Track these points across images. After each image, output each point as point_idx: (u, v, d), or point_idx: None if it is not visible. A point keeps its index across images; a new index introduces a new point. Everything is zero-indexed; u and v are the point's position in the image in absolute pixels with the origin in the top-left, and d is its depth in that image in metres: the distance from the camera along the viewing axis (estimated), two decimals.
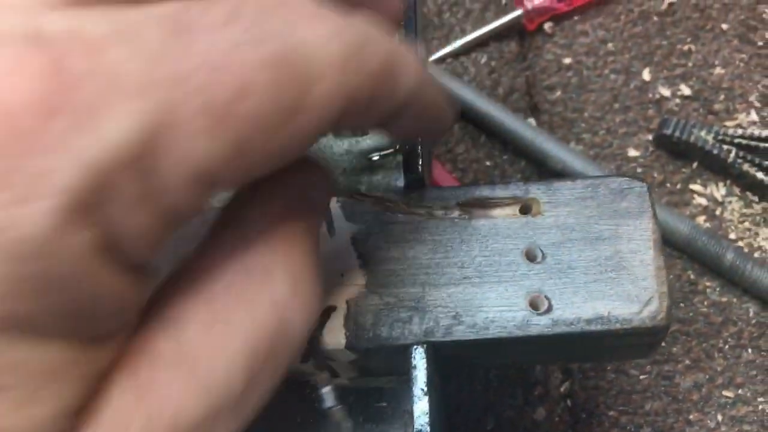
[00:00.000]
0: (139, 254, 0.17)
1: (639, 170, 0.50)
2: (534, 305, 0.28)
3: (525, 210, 0.30)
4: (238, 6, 0.17)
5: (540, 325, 0.28)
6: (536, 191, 0.30)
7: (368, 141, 0.43)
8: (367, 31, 0.20)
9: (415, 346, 0.28)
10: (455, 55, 0.55)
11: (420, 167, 0.32)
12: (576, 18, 0.55)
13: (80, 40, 0.15)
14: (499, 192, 0.31)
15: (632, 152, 0.51)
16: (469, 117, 0.52)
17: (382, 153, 0.38)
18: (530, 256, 0.29)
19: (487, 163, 0.52)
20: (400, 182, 0.34)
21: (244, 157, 0.17)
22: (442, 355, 0.29)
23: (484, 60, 0.55)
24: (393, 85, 0.21)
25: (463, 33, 0.55)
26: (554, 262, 0.29)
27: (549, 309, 0.28)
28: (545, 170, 0.50)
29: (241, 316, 0.20)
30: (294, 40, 0.18)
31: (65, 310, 0.16)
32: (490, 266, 0.29)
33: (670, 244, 0.47)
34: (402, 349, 0.28)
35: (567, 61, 0.54)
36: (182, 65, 0.16)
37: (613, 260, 0.29)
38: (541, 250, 0.29)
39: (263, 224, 0.21)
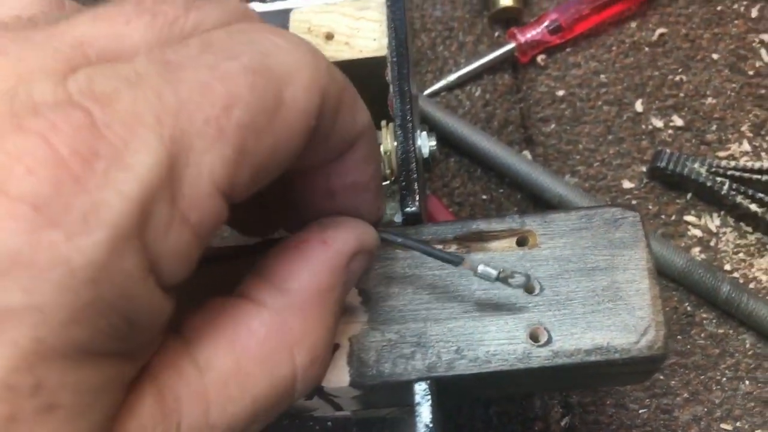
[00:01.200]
0: (176, 273, 0.19)
1: (634, 202, 0.50)
2: (534, 337, 0.29)
3: (522, 242, 0.31)
4: (208, 37, 0.20)
5: (540, 357, 0.28)
6: (532, 223, 0.31)
7: None
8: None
9: (418, 382, 0.28)
10: (449, 88, 0.55)
11: (417, 203, 0.33)
12: (568, 50, 0.56)
13: (98, 96, 0.18)
14: (496, 225, 0.31)
15: (627, 184, 0.51)
16: (464, 150, 0.52)
17: None
18: (529, 289, 0.29)
19: (483, 197, 0.52)
20: (398, 218, 0.35)
21: (247, 159, 0.20)
22: (445, 389, 0.29)
23: (478, 93, 0.55)
24: (353, 105, 0.24)
25: (457, 66, 0.56)
26: (552, 294, 0.29)
27: (549, 341, 0.28)
28: (542, 203, 0.51)
29: (260, 374, 0.22)
30: (262, 49, 0.21)
31: (117, 331, 0.18)
32: (489, 300, 0.30)
33: (666, 277, 0.47)
34: (405, 385, 0.29)
35: (560, 93, 0.55)
36: (179, 94, 0.19)
37: (609, 290, 0.29)
38: (539, 283, 0.30)
39: (301, 292, 0.24)
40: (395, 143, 0.37)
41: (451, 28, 0.58)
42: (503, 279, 0.28)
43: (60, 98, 0.18)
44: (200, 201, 0.19)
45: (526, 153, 0.53)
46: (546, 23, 0.55)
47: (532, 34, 0.55)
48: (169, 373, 0.21)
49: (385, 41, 0.39)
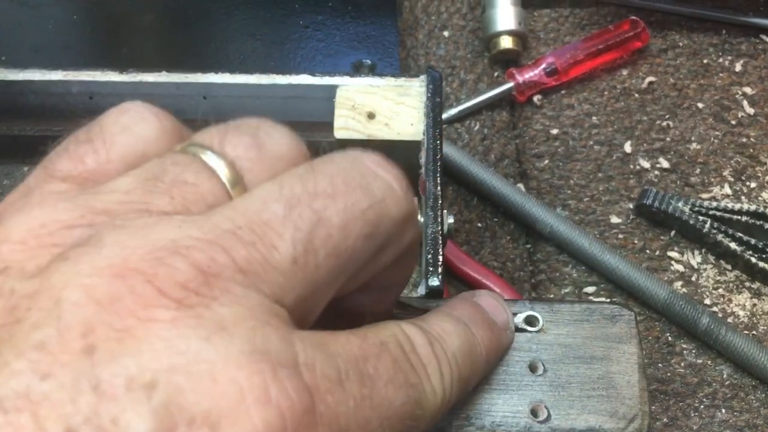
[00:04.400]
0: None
1: (620, 236, 0.53)
2: (535, 413, 0.32)
3: (529, 321, 0.34)
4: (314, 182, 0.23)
5: None
6: (540, 310, 0.35)
7: None
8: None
9: None
10: (450, 122, 0.58)
11: (440, 278, 0.37)
12: (563, 92, 0.59)
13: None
14: (509, 307, 0.35)
15: (614, 219, 0.54)
16: (461, 180, 0.55)
17: None
18: (533, 369, 0.33)
19: (479, 225, 0.54)
20: (421, 290, 0.39)
21: (347, 265, 0.23)
22: None
23: (477, 127, 0.58)
24: (413, 221, 0.27)
25: (458, 102, 0.59)
26: (554, 377, 0.33)
27: (548, 418, 0.32)
28: (533, 233, 0.53)
29: None
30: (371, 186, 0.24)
31: None
32: (498, 375, 0.33)
33: (649, 308, 0.50)
34: None
35: (554, 131, 0.58)
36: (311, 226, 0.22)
37: (604, 379, 0.33)
38: (543, 364, 0.33)
39: None
40: (420, 219, 0.42)
41: (453, 66, 0.61)
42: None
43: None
44: (329, 281, 0.23)
45: (520, 186, 0.55)
46: (543, 66, 0.58)
47: (529, 75, 0.58)
48: None
49: (421, 127, 0.43)
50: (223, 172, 0.23)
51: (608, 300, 0.51)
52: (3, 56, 0.55)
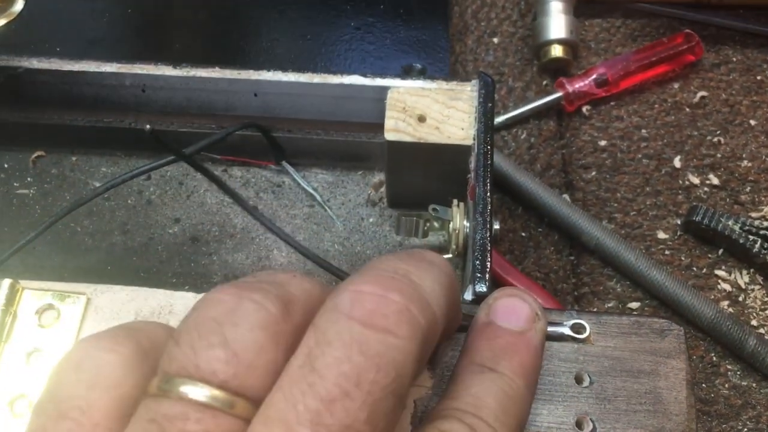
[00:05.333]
0: None
1: (667, 252, 0.52)
2: (580, 425, 0.32)
3: (576, 329, 0.34)
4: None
5: None
6: (587, 320, 0.34)
7: (416, 240, 0.47)
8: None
9: None
10: (497, 129, 0.58)
11: (487, 284, 0.37)
12: (612, 103, 0.59)
13: None
14: (555, 317, 0.34)
15: (661, 234, 0.53)
16: (507, 189, 0.55)
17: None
18: (579, 380, 0.33)
19: (522, 234, 0.54)
20: (468, 295, 0.39)
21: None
22: None
23: (523, 136, 0.58)
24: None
25: (506, 109, 0.58)
26: (600, 389, 0.32)
27: (593, 431, 0.31)
28: (578, 245, 0.53)
29: None
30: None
31: None
32: (543, 385, 0.32)
33: (695, 326, 0.49)
34: None
35: (602, 143, 0.57)
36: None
37: (651, 394, 0.32)
38: (590, 376, 0.33)
39: None
40: (465, 223, 0.42)
41: (501, 73, 0.61)
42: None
43: None
44: None
45: (566, 197, 0.55)
46: (594, 76, 0.58)
47: (579, 85, 0.58)
48: None
49: (471, 131, 0.42)
50: (220, 400, 0.21)
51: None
52: (58, 48, 0.56)
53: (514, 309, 0.30)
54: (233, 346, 0.22)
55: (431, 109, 0.43)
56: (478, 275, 0.38)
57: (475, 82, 0.44)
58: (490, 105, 0.42)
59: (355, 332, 0.22)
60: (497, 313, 0.30)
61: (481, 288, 0.38)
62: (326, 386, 0.21)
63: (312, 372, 0.21)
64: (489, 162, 0.41)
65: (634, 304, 0.50)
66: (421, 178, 0.46)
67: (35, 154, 0.53)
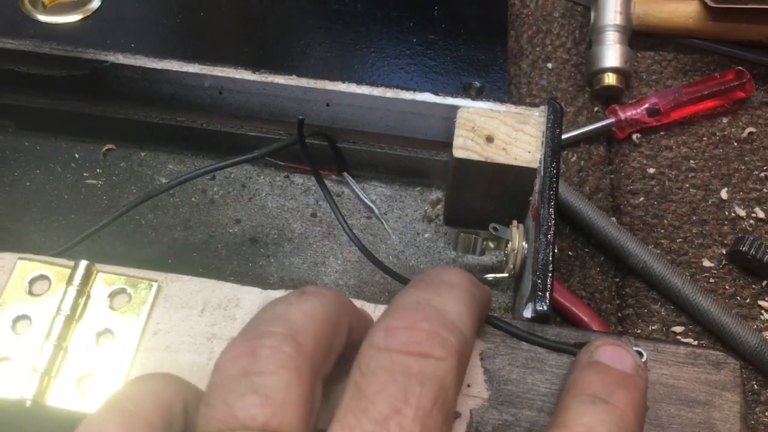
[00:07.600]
0: None
1: (711, 280, 0.54)
2: None
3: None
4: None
5: None
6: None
7: (471, 258, 0.49)
8: None
9: None
10: None
11: (549, 304, 0.38)
12: (662, 133, 0.60)
13: None
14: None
15: (706, 263, 0.54)
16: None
17: (497, 276, 0.45)
18: None
19: (569, 253, 0.56)
20: (527, 313, 0.40)
21: None
22: None
23: (573, 159, 0.60)
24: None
25: None
26: (654, 416, 0.33)
27: None
28: (624, 268, 0.54)
29: None
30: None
31: None
32: None
33: (737, 353, 0.50)
34: None
35: (651, 170, 0.59)
36: None
37: (705, 424, 0.33)
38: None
39: None
40: (524, 244, 0.44)
41: (554, 97, 0.63)
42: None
43: None
44: None
45: (613, 220, 0.56)
46: (646, 105, 0.59)
47: (631, 113, 0.59)
48: None
49: (537, 155, 0.44)
50: None
51: (699, 343, 0.52)
52: (132, 44, 0.58)
53: (620, 355, 0.31)
54: (263, 391, 0.23)
55: (499, 131, 0.45)
56: (539, 294, 0.39)
57: (543, 107, 0.46)
58: (558, 131, 0.44)
59: (395, 359, 0.24)
60: (604, 355, 0.31)
61: (542, 307, 0.39)
62: (378, 408, 0.23)
63: (363, 399, 0.23)
64: (555, 185, 0.43)
65: (678, 328, 0.52)
66: (481, 198, 0.48)
67: (106, 147, 0.55)
